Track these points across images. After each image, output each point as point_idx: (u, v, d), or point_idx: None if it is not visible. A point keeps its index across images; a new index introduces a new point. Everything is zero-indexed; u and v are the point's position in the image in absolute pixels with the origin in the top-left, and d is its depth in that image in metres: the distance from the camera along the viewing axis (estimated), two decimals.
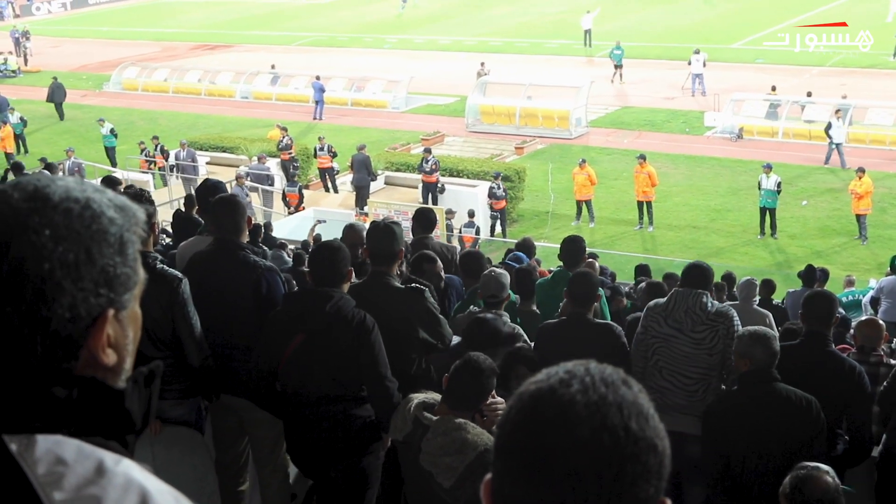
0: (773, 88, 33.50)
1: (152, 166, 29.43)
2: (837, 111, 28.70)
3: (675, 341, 6.64)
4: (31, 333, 1.37)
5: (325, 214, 23.53)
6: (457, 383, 4.55)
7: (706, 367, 6.56)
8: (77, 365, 1.43)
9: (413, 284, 6.07)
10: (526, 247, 10.74)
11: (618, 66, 40.36)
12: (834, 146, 28.08)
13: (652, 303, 7.02)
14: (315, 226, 21.15)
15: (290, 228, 23.38)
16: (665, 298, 6.88)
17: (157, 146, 29.34)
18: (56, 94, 39.28)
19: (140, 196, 6.75)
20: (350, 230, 9.01)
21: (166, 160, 28.96)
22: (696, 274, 6.82)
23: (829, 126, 28.20)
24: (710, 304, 6.65)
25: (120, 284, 1.47)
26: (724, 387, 6.52)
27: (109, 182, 13.01)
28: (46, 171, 23.61)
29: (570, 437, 1.30)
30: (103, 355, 1.45)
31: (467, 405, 4.55)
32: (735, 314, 6.69)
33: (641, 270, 15.65)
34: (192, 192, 14.16)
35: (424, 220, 9.24)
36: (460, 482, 4.32)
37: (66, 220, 1.41)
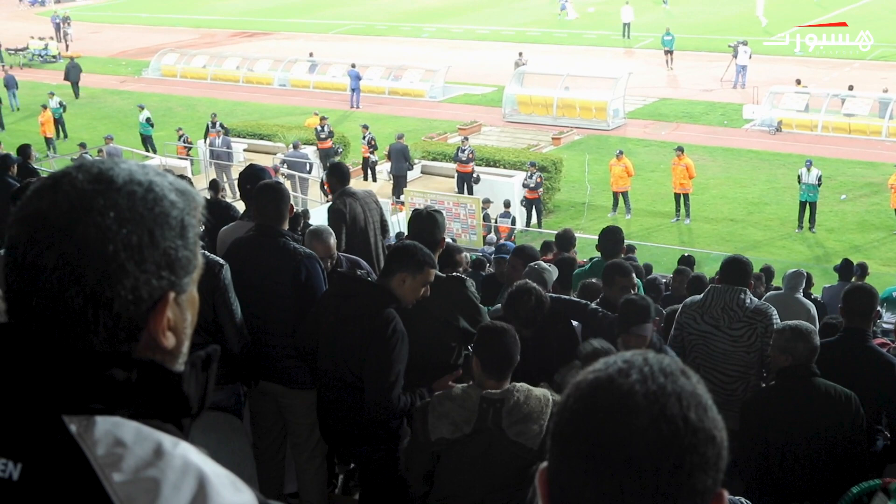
0: (798, 82, 33.22)
1: (186, 148, 29.56)
2: None
3: (711, 338, 6.56)
4: (94, 315, 1.39)
5: None
6: (489, 354, 4.54)
7: (744, 365, 6.48)
8: (137, 347, 1.45)
9: (454, 273, 6.04)
10: (566, 238, 10.70)
11: (669, 52, 40.55)
12: None
13: (689, 299, 6.96)
14: None
15: (326, 216, 23.33)
16: (701, 295, 6.81)
17: (215, 123, 29.31)
18: (71, 73, 39.73)
19: None
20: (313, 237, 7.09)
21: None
22: (735, 270, 6.72)
23: None
24: (748, 301, 6.55)
25: (181, 268, 1.49)
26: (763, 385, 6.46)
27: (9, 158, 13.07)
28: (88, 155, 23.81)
29: (628, 426, 1.29)
30: (163, 338, 1.47)
31: (507, 369, 4.55)
32: (774, 311, 6.59)
33: (685, 261, 15.48)
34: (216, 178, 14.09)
35: (339, 172, 9.85)
36: (545, 440, 4.27)
37: (129, 202, 1.41)
